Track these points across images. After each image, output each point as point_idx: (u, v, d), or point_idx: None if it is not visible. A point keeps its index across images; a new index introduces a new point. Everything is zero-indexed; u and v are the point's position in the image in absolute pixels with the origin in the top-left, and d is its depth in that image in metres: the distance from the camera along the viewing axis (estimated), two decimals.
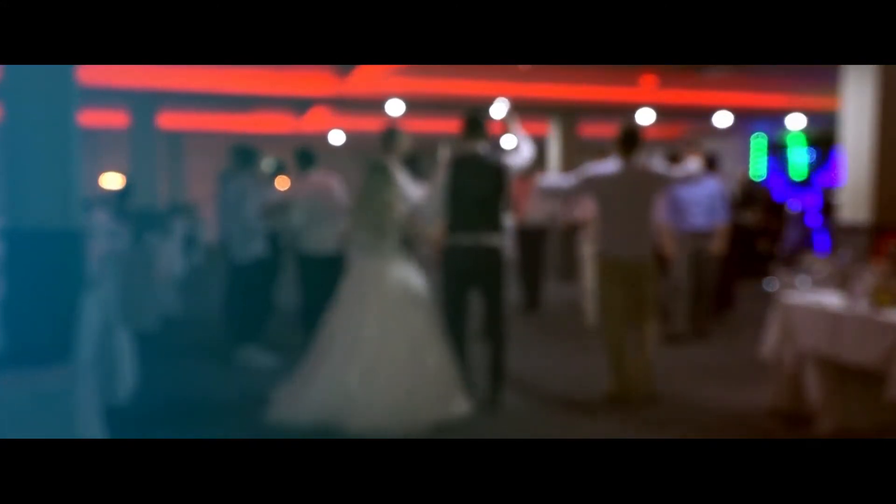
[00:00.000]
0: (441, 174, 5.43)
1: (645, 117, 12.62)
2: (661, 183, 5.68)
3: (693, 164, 5.93)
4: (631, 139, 5.60)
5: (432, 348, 5.09)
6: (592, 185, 5.66)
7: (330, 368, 4.97)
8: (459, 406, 5.11)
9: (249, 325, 6.91)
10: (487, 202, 5.35)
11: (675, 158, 7.51)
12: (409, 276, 5.25)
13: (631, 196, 5.56)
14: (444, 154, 5.66)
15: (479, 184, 5.36)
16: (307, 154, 7.13)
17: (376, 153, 5.90)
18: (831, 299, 4.82)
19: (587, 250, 8.61)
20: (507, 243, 5.56)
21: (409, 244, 5.66)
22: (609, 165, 5.67)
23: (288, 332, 7.74)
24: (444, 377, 5.10)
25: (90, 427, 3.78)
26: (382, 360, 4.92)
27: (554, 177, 6.06)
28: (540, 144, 16.07)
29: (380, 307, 5.06)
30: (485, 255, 5.34)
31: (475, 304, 5.55)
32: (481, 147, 5.45)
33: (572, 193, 6.09)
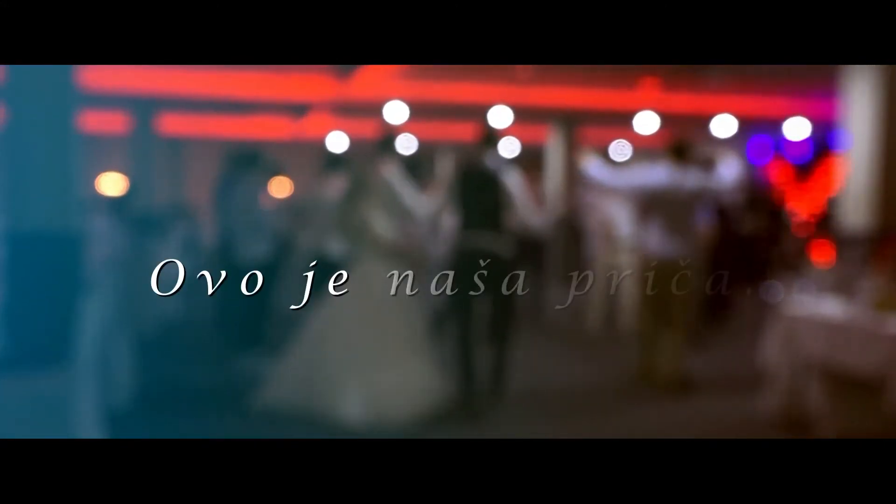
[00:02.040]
0: (447, 183, 5.78)
1: (648, 123, 12.47)
2: (708, 194, 6.14)
3: (732, 166, 6.11)
4: (682, 150, 6.03)
5: (410, 346, 5.49)
6: (644, 193, 6.07)
7: (308, 360, 5.41)
8: (433, 397, 5.42)
9: (249, 328, 6.91)
10: (493, 209, 5.60)
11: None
12: (385, 280, 5.51)
13: (679, 204, 5.96)
14: (446, 165, 5.93)
15: (485, 191, 5.62)
16: (337, 157, 7.36)
17: (373, 158, 5.97)
18: (834, 306, 4.80)
19: (601, 257, 8.57)
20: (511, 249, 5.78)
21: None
22: (659, 173, 6.04)
23: (287, 336, 7.71)
24: (421, 371, 5.47)
25: (89, 431, 3.77)
26: (357, 356, 5.31)
27: (602, 168, 6.34)
28: (539, 152, 16.14)
29: (355, 307, 5.44)
30: (491, 261, 5.52)
31: (483, 308, 5.74)
32: (490, 158, 5.70)
33: (615, 192, 6.83)
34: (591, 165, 6.29)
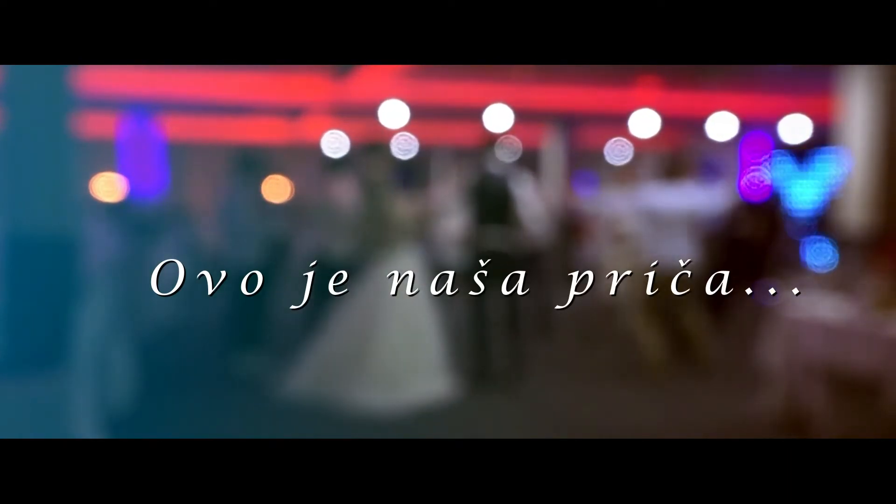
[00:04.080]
0: (445, 191, 6.44)
1: (648, 123, 12.24)
2: (704, 214, 6.43)
3: (718, 193, 6.40)
4: (677, 168, 6.36)
5: (424, 340, 5.88)
6: (649, 212, 6.39)
7: (330, 350, 5.80)
8: (440, 388, 5.81)
9: (248, 331, 6.90)
10: (503, 210, 6.09)
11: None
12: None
13: (679, 217, 6.28)
14: (449, 182, 6.39)
15: (495, 194, 6.11)
16: (338, 161, 7.53)
17: (362, 164, 6.08)
18: (834, 307, 4.79)
19: (609, 258, 8.54)
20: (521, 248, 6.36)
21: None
22: (659, 194, 6.39)
23: (285, 338, 7.71)
24: (432, 362, 5.90)
25: (86, 433, 3.76)
26: (375, 347, 5.69)
27: (613, 198, 7.13)
28: (536, 156, 16.11)
29: (378, 303, 5.81)
30: (501, 257, 6.03)
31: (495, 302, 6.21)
32: (494, 165, 6.17)
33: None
34: (604, 198, 6.73)
